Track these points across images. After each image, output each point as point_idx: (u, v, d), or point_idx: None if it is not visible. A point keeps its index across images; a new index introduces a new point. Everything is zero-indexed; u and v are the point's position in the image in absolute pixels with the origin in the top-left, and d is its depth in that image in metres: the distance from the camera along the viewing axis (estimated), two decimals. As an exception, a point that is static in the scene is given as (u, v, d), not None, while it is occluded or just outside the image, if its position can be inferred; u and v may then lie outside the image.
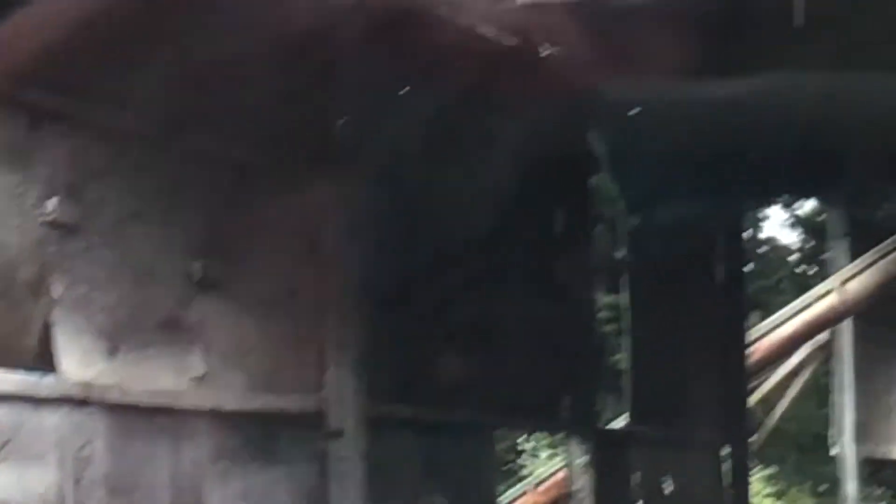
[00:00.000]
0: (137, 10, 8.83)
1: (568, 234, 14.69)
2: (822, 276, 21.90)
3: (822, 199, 22.21)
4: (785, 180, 17.32)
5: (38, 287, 9.02)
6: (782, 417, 22.45)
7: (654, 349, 16.03)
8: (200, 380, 10.28)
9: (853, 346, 20.83)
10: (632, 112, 13.95)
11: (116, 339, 9.56)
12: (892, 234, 20.17)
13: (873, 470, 21.74)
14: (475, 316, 13.00)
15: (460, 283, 12.80)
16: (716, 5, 10.86)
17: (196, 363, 10.27)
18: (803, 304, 20.81)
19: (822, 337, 21.03)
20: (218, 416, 10.32)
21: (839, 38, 11.05)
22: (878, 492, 25.15)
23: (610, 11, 10.50)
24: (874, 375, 21.14)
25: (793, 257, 31.86)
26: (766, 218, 29.73)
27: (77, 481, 9.14)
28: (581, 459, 15.02)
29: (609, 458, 15.15)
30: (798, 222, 31.18)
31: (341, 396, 11.36)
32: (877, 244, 20.22)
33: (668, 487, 16.16)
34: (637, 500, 15.67)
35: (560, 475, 17.75)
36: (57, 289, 9.16)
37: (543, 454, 24.10)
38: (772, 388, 21.32)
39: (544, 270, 14.18)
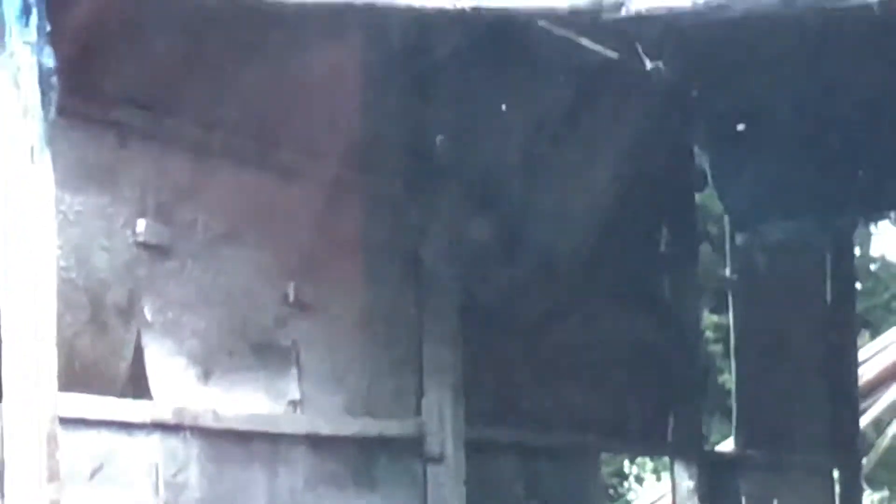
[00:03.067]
0: (228, 28, 8.73)
1: (672, 253, 14.56)
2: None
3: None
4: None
5: (128, 310, 8.98)
6: (895, 439, 22.16)
7: (761, 369, 15.89)
8: (296, 404, 10.19)
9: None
10: (738, 127, 13.83)
11: (209, 362, 9.51)
12: None
13: None
14: (577, 336, 12.89)
15: (562, 302, 12.73)
16: (819, 19, 10.65)
17: (292, 387, 10.18)
18: None
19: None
20: (314, 441, 10.22)
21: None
22: None
23: (715, 24, 10.33)
24: None
25: None
26: (876, 234, 29.65)
27: None
28: (687, 484, 14.75)
29: (715, 482, 14.93)
30: None
31: (440, 420, 11.23)
32: None
33: None
34: None
35: (666, 501, 17.55)
36: (148, 312, 9.11)
37: (648, 478, 24.07)
38: (884, 409, 21.02)
39: (648, 289, 14.14)
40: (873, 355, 19.97)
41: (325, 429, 10.29)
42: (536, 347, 12.38)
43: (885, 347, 20.42)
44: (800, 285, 16.64)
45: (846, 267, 18.19)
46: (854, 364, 18.11)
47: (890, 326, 21.20)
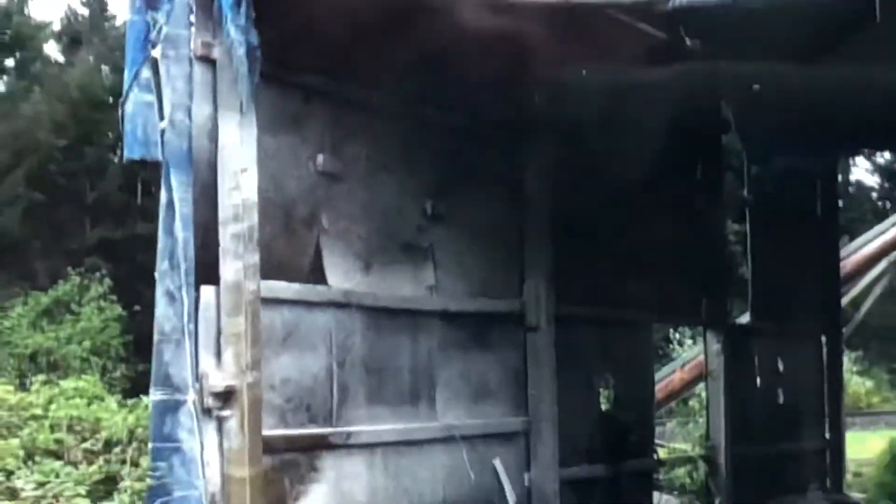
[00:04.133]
0: (384, 10, 8.49)
1: (705, 178, 14.34)
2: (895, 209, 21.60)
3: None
4: (867, 136, 16.85)
5: (311, 221, 8.86)
6: (866, 314, 22.08)
7: (770, 264, 15.63)
8: (432, 288, 10.05)
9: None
10: (754, 87, 13.53)
11: (369, 258, 9.37)
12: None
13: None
14: (636, 240, 12.63)
15: (626, 215, 12.46)
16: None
17: (429, 276, 10.03)
18: (881, 230, 20.69)
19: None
20: (445, 316, 10.08)
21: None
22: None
23: (738, 11, 10.01)
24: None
25: (874, 195, 32.12)
26: (854, 166, 29.87)
27: (341, 364, 8.97)
28: (716, 346, 14.63)
29: (736, 345, 14.78)
30: (877, 169, 31.40)
31: (537, 300, 11.02)
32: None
33: (781, 367, 15.79)
34: (756, 377, 15.29)
35: (700, 358, 17.51)
36: (325, 222, 8.98)
37: (688, 343, 23.97)
38: (858, 292, 20.96)
39: (688, 206, 13.83)
40: (851, 253, 19.72)
41: (453, 306, 10.12)
42: (608, 248, 12.15)
43: (859, 247, 20.17)
44: (798, 203, 16.36)
45: (831, 189, 18.11)
46: (837, 259, 17.98)
47: (863, 233, 21.01)
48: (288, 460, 8.34)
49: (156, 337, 7.56)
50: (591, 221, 11.77)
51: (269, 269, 8.09)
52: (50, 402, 9.12)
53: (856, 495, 17.42)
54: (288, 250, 8.56)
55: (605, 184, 11.66)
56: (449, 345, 10.06)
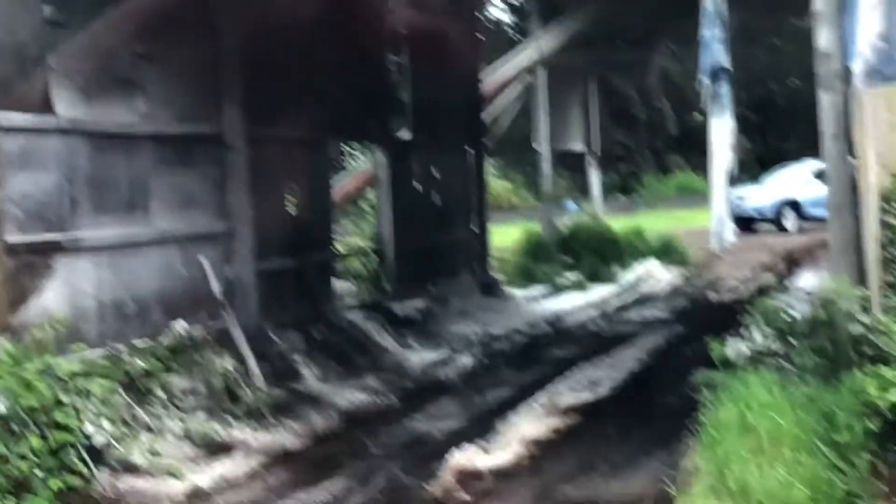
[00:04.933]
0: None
1: (370, 19, 14.21)
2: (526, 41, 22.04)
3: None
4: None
5: (40, 60, 8.99)
6: (506, 129, 22.68)
7: (424, 89, 15.81)
8: (145, 115, 10.29)
9: (546, 84, 21.17)
10: None
11: (90, 92, 9.53)
12: (560, 13, 20.46)
13: (557, 158, 22.37)
14: (316, 72, 12.85)
15: (307, 50, 12.56)
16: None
17: (141, 105, 10.25)
18: (515, 57, 20.94)
19: (528, 78, 21.15)
20: (156, 138, 10.35)
21: None
22: (562, 171, 26.00)
23: None
24: (558, 100, 21.65)
25: (508, 31, 32.84)
26: (490, 4, 30.10)
27: (70, 181, 9.31)
28: (381, 158, 15.06)
29: (398, 157, 15.21)
30: (511, 8, 32.06)
31: (232, 124, 11.37)
32: (558, 17, 20.52)
33: (436, 174, 16.27)
34: (415, 182, 15.73)
35: (369, 168, 17.76)
36: (52, 63, 9.15)
37: (360, 157, 23.84)
38: (498, 111, 21.44)
39: (355, 42, 13.83)
40: (491, 76, 19.99)
41: (162, 130, 10.43)
42: (292, 79, 12.29)
43: (498, 71, 20.56)
44: (446, 39, 15.69)
45: (473, 27, 18.21)
46: (478, 82, 18.28)
47: (500, 58, 21.08)
48: (28, 262, 8.82)
49: None
50: (277, 57, 11.88)
51: (7, 103, 8.43)
52: None
53: (499, 276, 18.27)
54: (22, 86, 8.79)
55: (290, 23, 11.62)
56: (160, 162, 10.32)
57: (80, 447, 7.48)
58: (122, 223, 9.88)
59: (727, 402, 6.65)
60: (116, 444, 7.83)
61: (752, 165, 33.11)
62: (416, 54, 15.66)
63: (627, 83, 31.55)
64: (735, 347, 7.87)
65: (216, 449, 8.76)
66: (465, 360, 12.74)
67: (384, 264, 14.96)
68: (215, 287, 10.76)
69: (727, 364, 7.65)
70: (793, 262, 20.57)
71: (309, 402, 10.32)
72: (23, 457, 7.04)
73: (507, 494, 7.57)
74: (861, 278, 7.80)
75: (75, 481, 7.33)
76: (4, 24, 8.52)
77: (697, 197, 28.43)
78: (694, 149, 34.78)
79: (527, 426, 9.17)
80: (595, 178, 24.22)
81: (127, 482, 7.71)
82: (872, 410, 6.22)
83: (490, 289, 17.33)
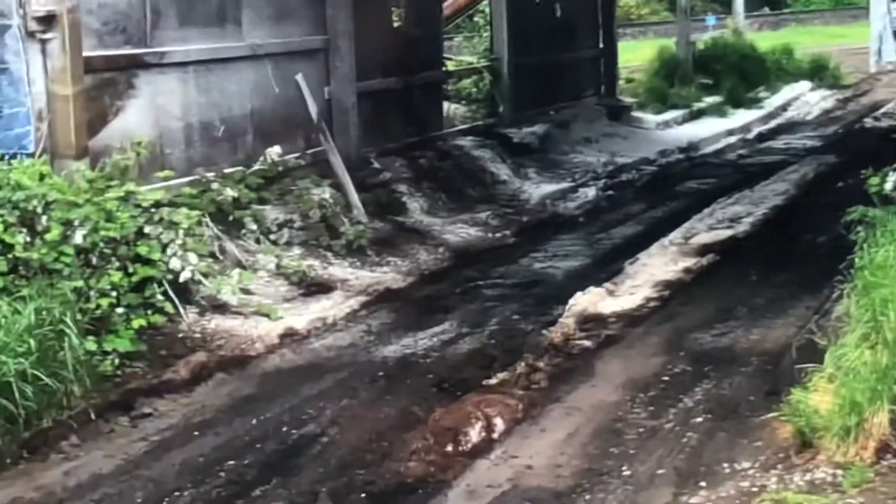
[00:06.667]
0: None
1: None
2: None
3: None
4: None
5: None
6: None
7: None
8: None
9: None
10: None
11: None
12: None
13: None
14: None
15: None
16: None
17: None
18: None
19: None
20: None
21: None
22: None
23: None
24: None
25: None
26: None
27: None
28: None
29: None
30: None
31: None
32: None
33: None
34: None
35: None
36: None
37: None
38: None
39: None
40: None
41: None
42: None
43: None
44: None
45: None
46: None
47: None
48: (107, 79, 8.72)
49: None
50: None
51: None
52: None
53: (627, 99, 18.11)
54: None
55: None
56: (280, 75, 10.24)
57: (164, 283, 7.41)
58: (211, 37, 9.75)
59: (885, 242, 6.33)
60: (204, 280, 7.78)
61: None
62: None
63: None
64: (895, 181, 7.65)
65: (313, 287, 8.71)
66: (589, 193, 12.69)
67: (499, 85, 14.83)
68: (312, 109, 10.69)
69: (886, 200, 7.47)
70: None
71: (415, 237, 10.33)
72: (103, 293, 7.00)
73: (634, 342, 7.41)
74: None
75: (159, 319, 7.28)
76: None
77: (855, 10, 27.72)
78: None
79: (657, 267, 9.02)
80: (738, -10, 23.75)
81: (215, 321, 7.67)
82: None
83: (618, 113, 17.17)
